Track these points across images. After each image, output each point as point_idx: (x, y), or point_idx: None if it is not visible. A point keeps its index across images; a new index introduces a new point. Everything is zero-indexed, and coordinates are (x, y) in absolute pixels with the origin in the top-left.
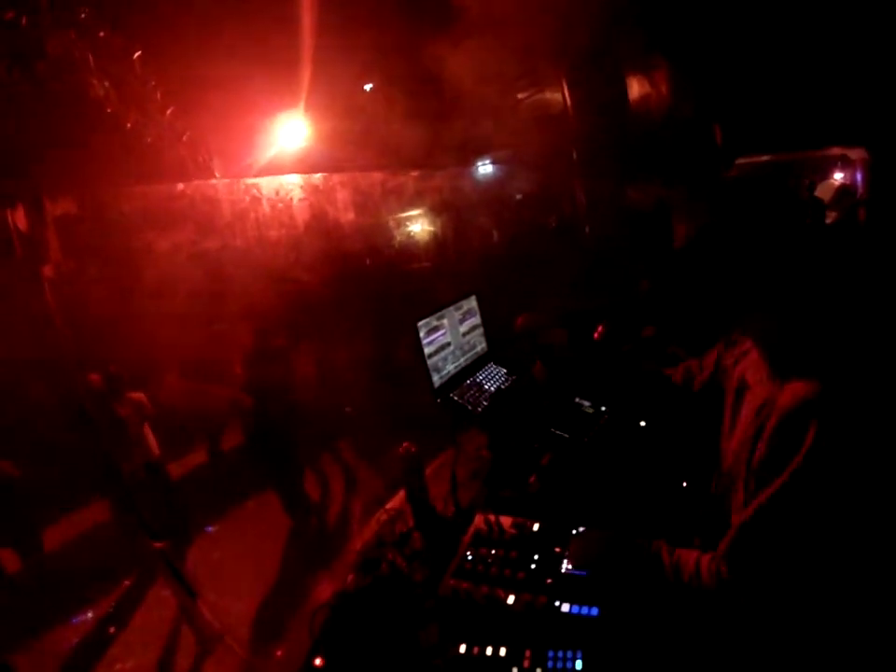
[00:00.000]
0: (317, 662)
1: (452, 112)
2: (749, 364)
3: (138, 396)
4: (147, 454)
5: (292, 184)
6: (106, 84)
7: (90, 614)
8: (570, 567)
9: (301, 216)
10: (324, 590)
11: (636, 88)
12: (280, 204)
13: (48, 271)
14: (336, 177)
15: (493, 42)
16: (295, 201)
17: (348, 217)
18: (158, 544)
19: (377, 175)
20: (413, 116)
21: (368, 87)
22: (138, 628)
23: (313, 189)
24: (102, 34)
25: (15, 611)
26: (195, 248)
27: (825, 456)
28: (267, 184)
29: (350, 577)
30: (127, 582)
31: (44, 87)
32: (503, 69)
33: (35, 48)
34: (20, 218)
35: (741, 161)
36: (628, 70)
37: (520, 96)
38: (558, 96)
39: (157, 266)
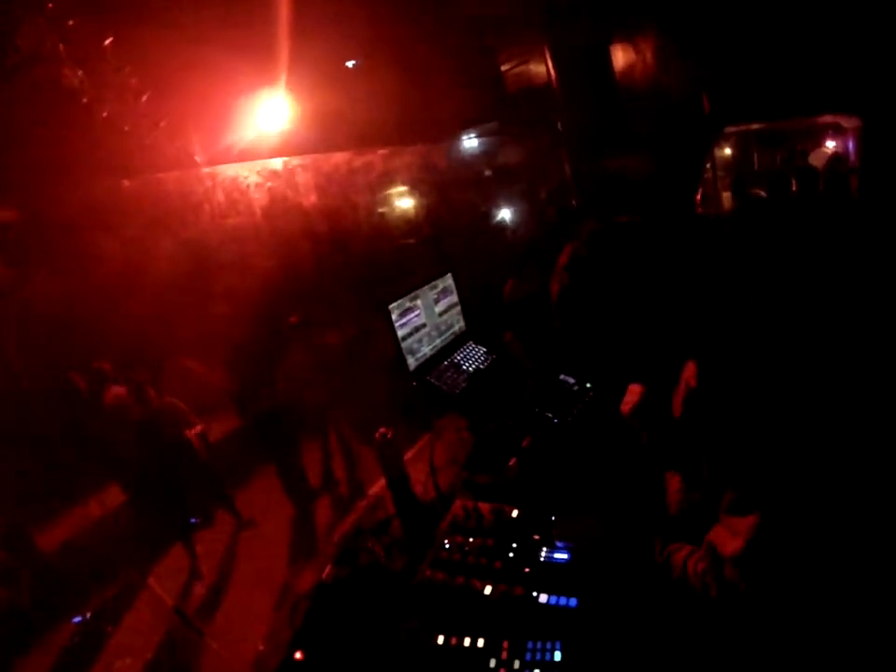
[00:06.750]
0: (297, 655)
1: (430, 85)
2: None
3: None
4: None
5: (248, 171)
6: (80, 73)
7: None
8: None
9: (259, 202)
10: (305, 581)
11: (620, 56)
12: (235, 193)
13: None
14: (296, 160)
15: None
16: (252, 188)
17: (310, 200)
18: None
19: (340, 156)
20: (387, 90)
21: (350, 63)
22: (131, 628)
23: (271, 175)
24: (71, 21)
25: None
26: (145, 246)
27: None
28: (222, 172)
29: (328, 568)
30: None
31: (15, 80)
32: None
33: (5, 41)
34: None
35: (731, 129)
36: (613, 36)
37: (504, 68)
38: (542, 68)
39: (106, 265)
